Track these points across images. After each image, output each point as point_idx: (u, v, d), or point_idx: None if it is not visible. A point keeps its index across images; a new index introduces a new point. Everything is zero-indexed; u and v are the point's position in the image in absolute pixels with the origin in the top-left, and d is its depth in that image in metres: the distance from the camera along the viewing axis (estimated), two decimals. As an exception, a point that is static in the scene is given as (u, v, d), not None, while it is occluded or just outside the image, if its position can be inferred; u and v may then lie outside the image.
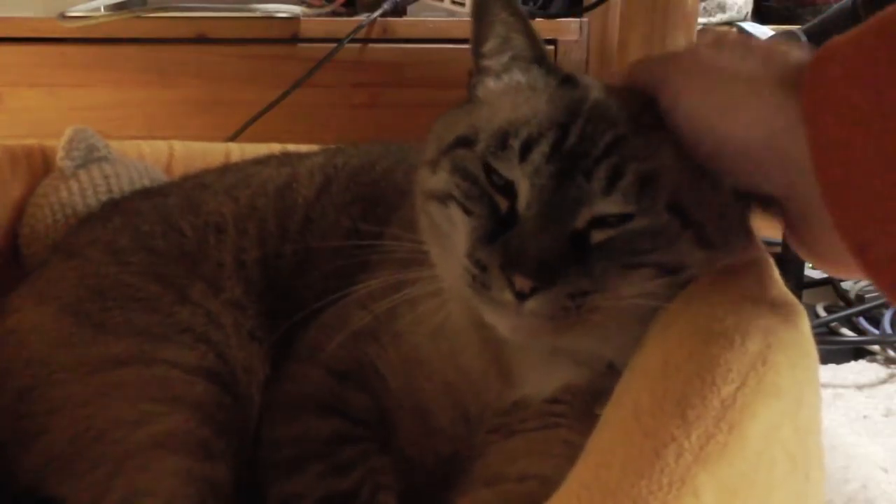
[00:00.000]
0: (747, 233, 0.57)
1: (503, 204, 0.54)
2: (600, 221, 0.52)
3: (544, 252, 0.50)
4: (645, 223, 0.51)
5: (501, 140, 0.54)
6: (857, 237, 0.41)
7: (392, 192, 0.77)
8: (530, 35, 0.58)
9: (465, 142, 0.56)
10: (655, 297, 0.53)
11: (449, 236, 0.57)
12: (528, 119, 0.54)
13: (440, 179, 0.57)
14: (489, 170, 0.54)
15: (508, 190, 0.53)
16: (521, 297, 0.51)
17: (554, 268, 0.50)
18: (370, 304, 0.63)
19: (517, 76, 0.58)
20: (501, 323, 0.54)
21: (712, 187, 0.54)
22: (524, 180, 0.52)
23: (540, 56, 0.58)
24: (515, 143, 0.53)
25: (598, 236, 0.52)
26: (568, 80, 0.57)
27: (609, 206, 0.51)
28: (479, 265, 0.53)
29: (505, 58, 0.59)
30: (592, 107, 0.54)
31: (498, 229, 0.53)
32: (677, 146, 0.53)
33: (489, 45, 0.59)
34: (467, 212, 0.55)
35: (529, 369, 0.62)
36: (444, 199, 0.57)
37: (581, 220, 0.52)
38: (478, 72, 0.60)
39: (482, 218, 0.54)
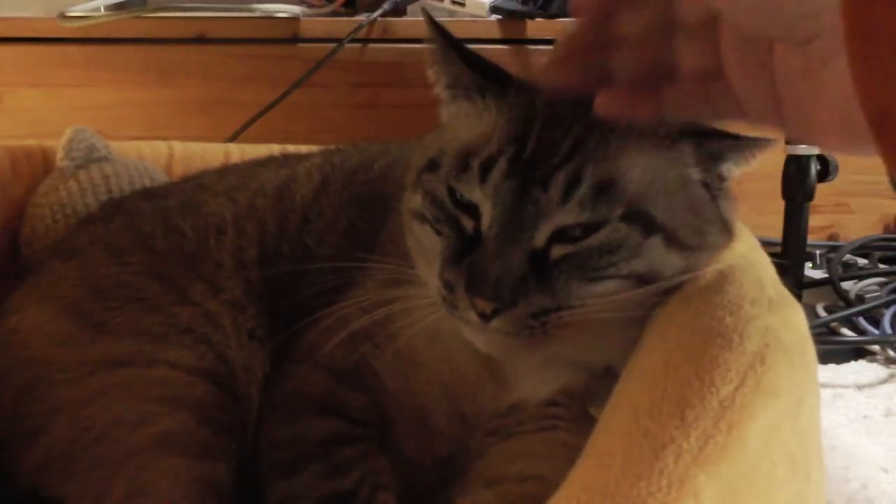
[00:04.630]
0: (726, 225, 0.57)
1: (469, 224, 0.55)
2: (560, 237, 0.52)
3: (504, 273, 0.51)
4: (601, 238, 0.52)
5: (462, 162, 0.55)
6: (880, 104, 0.33)
7: (389, 191, 0.77)
8: (458, 63, 0.58)
9: (432, 165, 0.58)
10: (633, 306, 0.53)
11: (429, 252, 0.58)
12: (486, 139, 0.55)
13: (417, 201, 0.59)
14: (454, 192, 0.55)
15: (473, 210, 0.54)
16: (484, 317, 0.52)
17: (514, 289, 0.51)
18: (369, 308, 0.63)
19: (462, 101, 0.59)
20: (475, 339, 0.56)
21: (682, 183, 0.54)
22: (486, 202, 0.53)
23: (475, 80, 0.58)
24: (475, 164, 0.54)
25: (557, 252, 0.52)
26: (518, 88, 0.57)
27: (566, 216, 0.52)
28: (448, 286, 0.54)
29: (443, 85, 0.60)
30: (547, 108, 0.55)
31: (466, 249, 0.54)
32: (638, 144, 0.53)
33: (431, 73, 0.60)
34: (438, 233, 0.56)
35: (523, 373, 0.62)
36: (421, 219, 0.58)
37: (541, 237, 0.52)
38: (438, 99, 0.61)
39: (450, 239, 0.55)
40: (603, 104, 0.48)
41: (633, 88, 0.49)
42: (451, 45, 0.58)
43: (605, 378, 0.58)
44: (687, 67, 0.48)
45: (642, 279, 0.52)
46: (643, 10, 0.49)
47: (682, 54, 0.48)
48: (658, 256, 0.52)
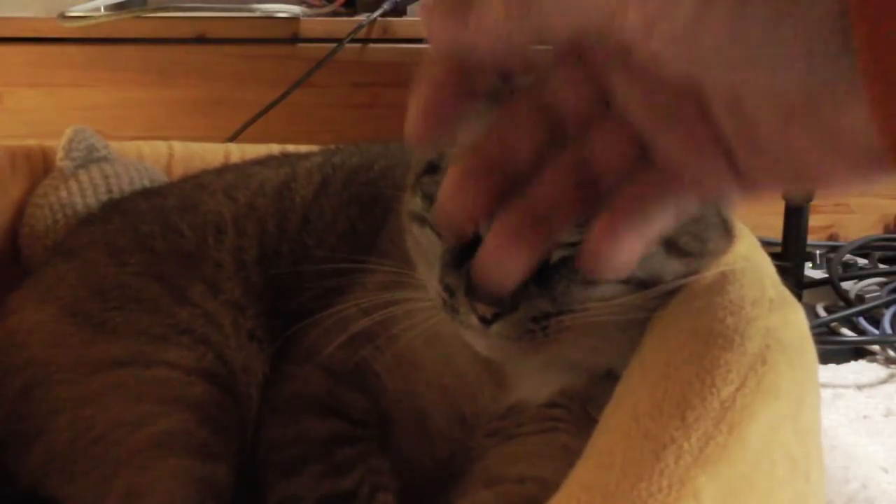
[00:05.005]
0: (727, 228, 0.57)
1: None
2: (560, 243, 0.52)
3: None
4: None
5: None
6: None
7: (390, 192, 0.77)
8: None
9: (432, 168, 0.57)
10: (634, 309, 0.53)
11: (429, 254, 0.58)
12: None
13: (417, 203, 0.58)
14: None
15: None
16: (485, 321, 0.52)
17: (515, 293, 0.51)
18: (370, 310, 0.64)
19: None
20: (476, 343, 0.55)
21: None
22: None
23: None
24: None
25: (557, 256, 0.52)
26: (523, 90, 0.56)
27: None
28: (448, 290, 0.54)
29: None
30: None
31: (466, 253, 0.53)
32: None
33: None
34: (438, 235, 0.56)
35: (523, 375, 0.62)
36: (421, 221, 0.58)
37: None
38: None
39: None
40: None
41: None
42: None
43: (606, 380, 0.57)
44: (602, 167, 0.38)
45: (642, 284, 0.52)
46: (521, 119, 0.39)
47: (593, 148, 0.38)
48: (658, 263, 0.52)
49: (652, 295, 0.53)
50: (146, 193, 0.88)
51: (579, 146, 0.38)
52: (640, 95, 0.36)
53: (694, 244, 0.54)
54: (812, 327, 0.51)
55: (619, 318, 0.53)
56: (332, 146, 0.92)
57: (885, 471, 0.86)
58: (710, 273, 0.53)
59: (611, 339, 0.56)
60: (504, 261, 0.39)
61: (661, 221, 0.39)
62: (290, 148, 0.98)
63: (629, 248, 0.38)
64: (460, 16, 0.36)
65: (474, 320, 0.52)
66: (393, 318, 0.61)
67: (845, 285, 1.27)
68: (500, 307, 0.51)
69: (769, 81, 0.32)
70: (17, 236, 0.92)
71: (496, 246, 0.39)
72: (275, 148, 1.00)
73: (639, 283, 0.52)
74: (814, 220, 1.23)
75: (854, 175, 0.35)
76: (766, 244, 0.63)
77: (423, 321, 0.59)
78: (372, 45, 1.41)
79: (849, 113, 0.31)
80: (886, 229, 1.55)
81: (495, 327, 0.52)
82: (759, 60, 0.31)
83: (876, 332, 1.14)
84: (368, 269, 0.66)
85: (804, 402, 0.45)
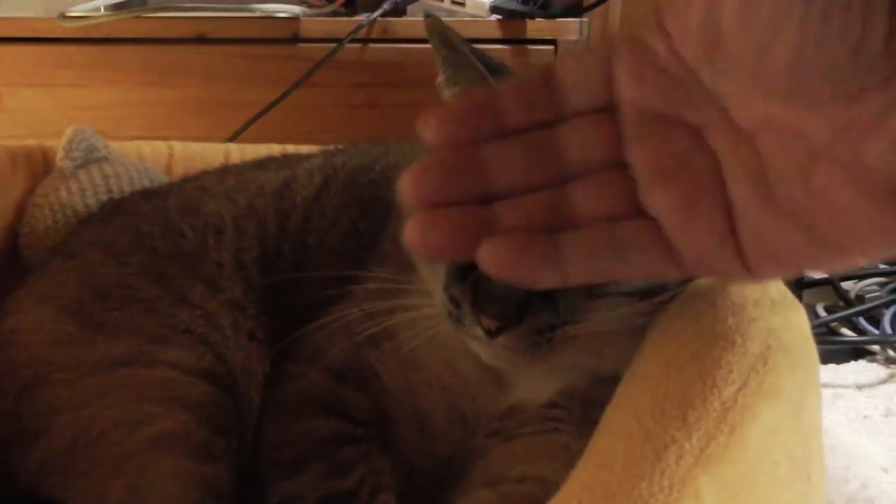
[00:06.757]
0: None
1: None
2: None
3: (510, 291, 0.51)
4: None
5: None
6: None
7: (391, 192, 0.77)
8: (473, 66, 0.57)
9: None
10: (639, 317, 0.53)
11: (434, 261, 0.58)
12: None
13: None
14: None
15: None
16: (490, 333, 0.52)
17: (520, 306, 0.51)
18: (374, 315, 0.64)
19: None
20: (481, 352, 0.56)
21: None
22: None
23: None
24: None
25: None
26: None
27: None
28: (454, 301, 0.54)
29: (456, 91, 0.59)
30: None
31: (471, 263, 0.53)
32: None
33: (440, 79, 0.60)
34: None
35: (524, 375, 0.62)
36: None
37: None
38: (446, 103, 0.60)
39: None
40: (487, 259, 0.37)
41: (522, 237, 0.38)
42: (471, 51, 0.57)
43: (607, 381, 0.58)
44: (584, 210, 0.38)
45: (647, 294, 0.52)
46: (516, 145, 0.39)
47: (577, 193, 0.38)
48: (661, 274, 0.52)
49: (656, 302, 0.53)
50: (147, 194, 0.88)
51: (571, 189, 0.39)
52: (650, 140, 0.37)
53: None
54: (812, 327, 0.51)
55: (624, 326, 0.53)
56: (333, 147, 0.92)
57: (885, 471, 0.86)
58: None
59: (616, 346, 0.56)
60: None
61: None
62: (290, 148, 0.98)
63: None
64: None
65: (480, 332, 0.53)
66: (396, 324, 0.62)
67: (845, 285, 1.26)
68: (506, 320, 0.51)
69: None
70: (17, 236, 0.92)
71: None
72: (275, 148, 0.99)
73: (644, 294, 0.52)
74: (814, 220, 1.22)
75: (873, 232, 0.33)
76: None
77: (425, 330, 0.59)
78: (372, 45, 1.41)
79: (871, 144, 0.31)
80: (886, 229, 1.55)
81: (501, 339, 0.52)
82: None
83: (876, 332, 1.14)
84: (369, 275, 0.66)
85: (806, 403, 0.45)
